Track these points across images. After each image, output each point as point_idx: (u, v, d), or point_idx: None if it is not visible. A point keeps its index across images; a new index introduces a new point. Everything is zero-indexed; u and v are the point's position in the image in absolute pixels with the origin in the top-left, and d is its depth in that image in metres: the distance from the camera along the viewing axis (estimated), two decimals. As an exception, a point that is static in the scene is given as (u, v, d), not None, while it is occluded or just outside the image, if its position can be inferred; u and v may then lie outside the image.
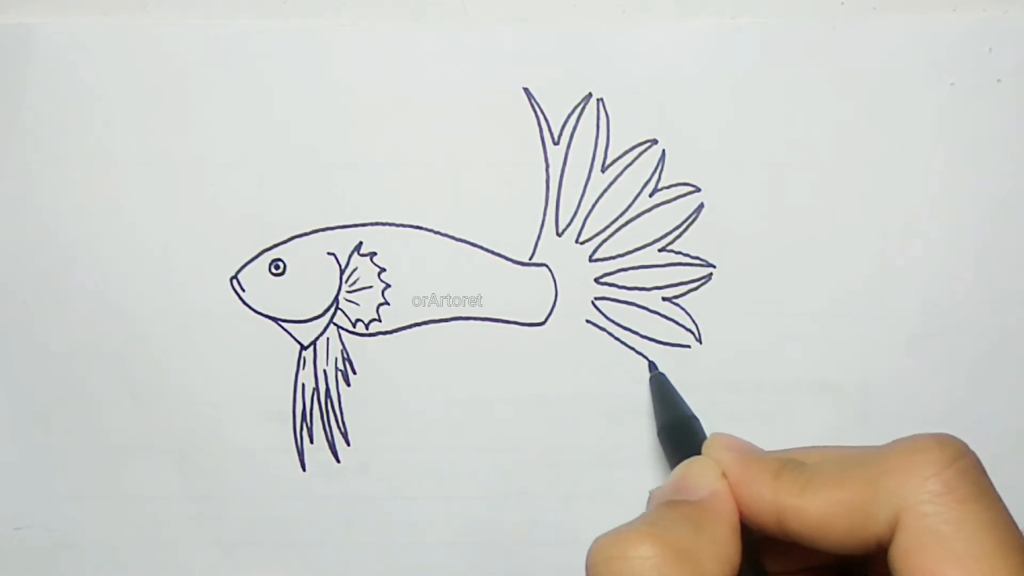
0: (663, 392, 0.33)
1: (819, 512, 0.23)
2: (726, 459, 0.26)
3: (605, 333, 0.34)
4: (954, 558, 0.21)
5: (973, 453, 0.23)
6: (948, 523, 0.21)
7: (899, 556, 0.22)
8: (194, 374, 0.34)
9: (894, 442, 0.23)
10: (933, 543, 0.21)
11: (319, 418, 0.34)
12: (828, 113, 0.33)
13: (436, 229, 0.34)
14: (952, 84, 0.33)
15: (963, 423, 0.33)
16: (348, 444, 0.34)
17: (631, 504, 0.34)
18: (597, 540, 0.23)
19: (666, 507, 0.25)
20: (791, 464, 0.25)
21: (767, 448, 0.27)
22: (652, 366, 0.34)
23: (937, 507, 0.22)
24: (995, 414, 0.34)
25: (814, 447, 0.26)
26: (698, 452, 0.27)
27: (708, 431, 0.33)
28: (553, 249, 0.34)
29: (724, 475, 0.25)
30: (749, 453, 0.26)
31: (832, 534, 0.23)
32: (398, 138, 0.33)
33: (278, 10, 0.33)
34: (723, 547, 0.23)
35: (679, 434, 0.31)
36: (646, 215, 0.33)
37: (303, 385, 0.34)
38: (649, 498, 0.27)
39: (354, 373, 0.34)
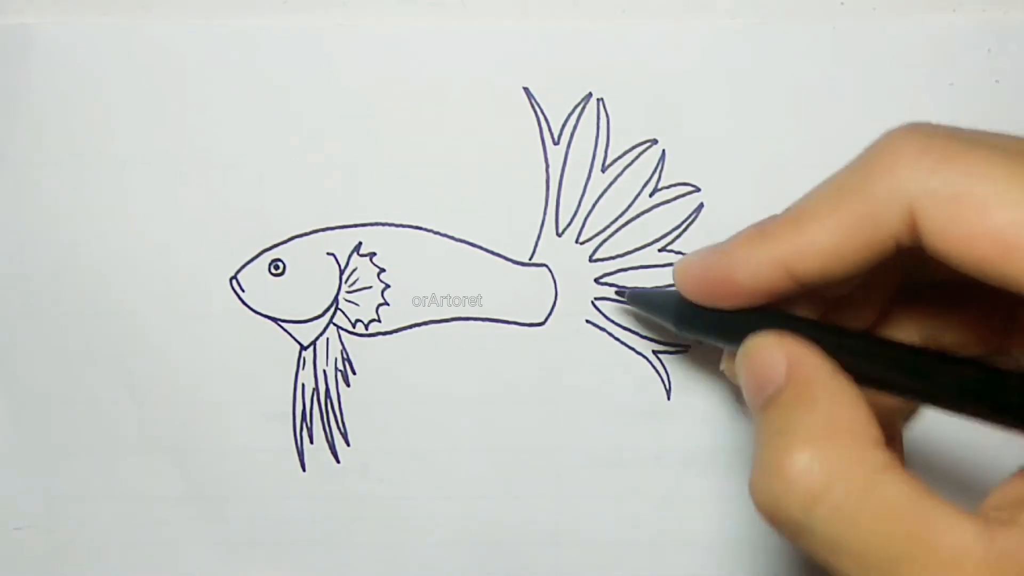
0: (646, 298, 0.31)
1: (826, 242, 0.22)
2: (703, 266, 0.25)
3: (605, 333, 0.34)
4: (987, 204, 0.20)
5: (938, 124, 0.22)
6: (960, 179, 0.20)
7: (938, 241, 0.21)
8: (194, 374, 0.34)
9: (867, 148, 0.23)
10: (960, 206, 0.20)
11: (319, 418, 0.34)
12: (828, 113, 0.33)
13: (436, 229, 0.34)
14: (951, 84, 0.33)
15: (962, 422, 0.33)
16: (348, 444, 0.34)
17: (631, 504, 0.34)
18: (752, 485, 0.22)
19: (771, 411, 0.23)
20: (769, 218, 0.24)
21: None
22: (621, 291, 0.32)
23: (941, 175, 0.21)
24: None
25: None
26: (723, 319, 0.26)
27: (709, 427, 0.34)
28: (553, 249, 0.34)
29: (778, 338, 0.24)
30: (715, 248, 0.25)
31: (848, 256, 0.22)
32: (398, 138, 0.33)
33: (278, 10, 0.33)
34: (843, 401, 0.22)
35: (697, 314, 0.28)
36: (646, 215, 0.33)
37: (303, 385, 0.34)
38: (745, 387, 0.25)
39: (354, 373, 0.34)
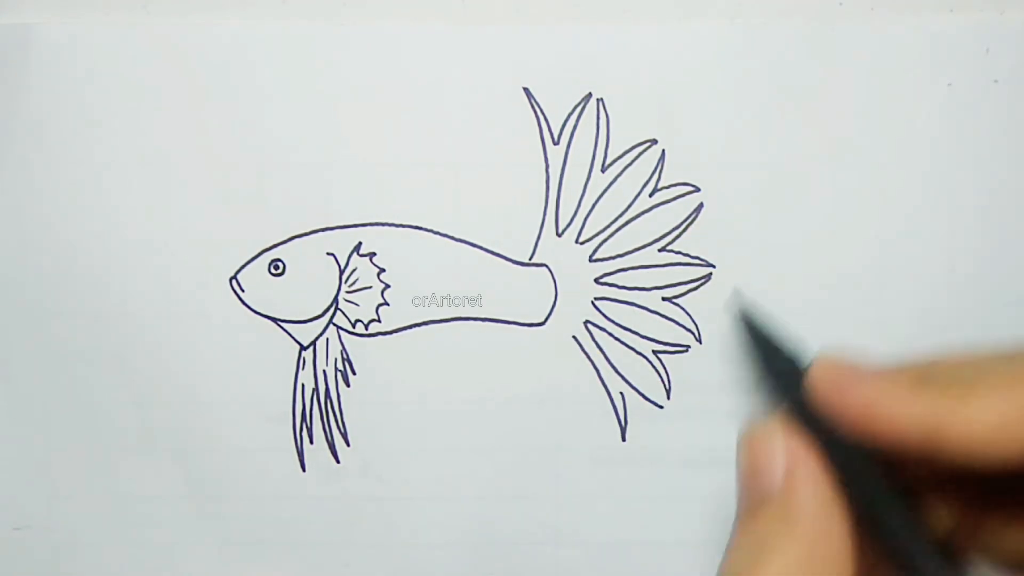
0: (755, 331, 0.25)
1: (993, 419, 0.19)
2: (847, 379, 0.20)
3: (605, 333, 0.34)
4: None
5: None
6: None
7: None
8: (194, 374, 0.34)
9: None
10: None
11: (319, 418, 0.34)
12: (827, 113, 0.33)
13: (436, 229, 0.34)
14: (950, 84, 0.33)
15: None
16: (348, 444, 0.34)
17: (631, 504, 0.34)
18: None
19: (757, 519, 0.21)
20: (935, 369, 0.20)
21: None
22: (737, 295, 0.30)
23: None
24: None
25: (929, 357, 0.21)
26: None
27: (709, 428, 0.34)
28: (553, 249, 0.34)
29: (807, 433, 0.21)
30: (869, 370, 0.21)
31: (1009, 445, 0.19)
32: (398, 138, 0.33)
33: (278, 10, 0.33)
34: (827, 538, 0.20)
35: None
36: (646, 215, 0.34)
37: (303, 385, 0.34)
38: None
39: (354, 373, 0.34)
